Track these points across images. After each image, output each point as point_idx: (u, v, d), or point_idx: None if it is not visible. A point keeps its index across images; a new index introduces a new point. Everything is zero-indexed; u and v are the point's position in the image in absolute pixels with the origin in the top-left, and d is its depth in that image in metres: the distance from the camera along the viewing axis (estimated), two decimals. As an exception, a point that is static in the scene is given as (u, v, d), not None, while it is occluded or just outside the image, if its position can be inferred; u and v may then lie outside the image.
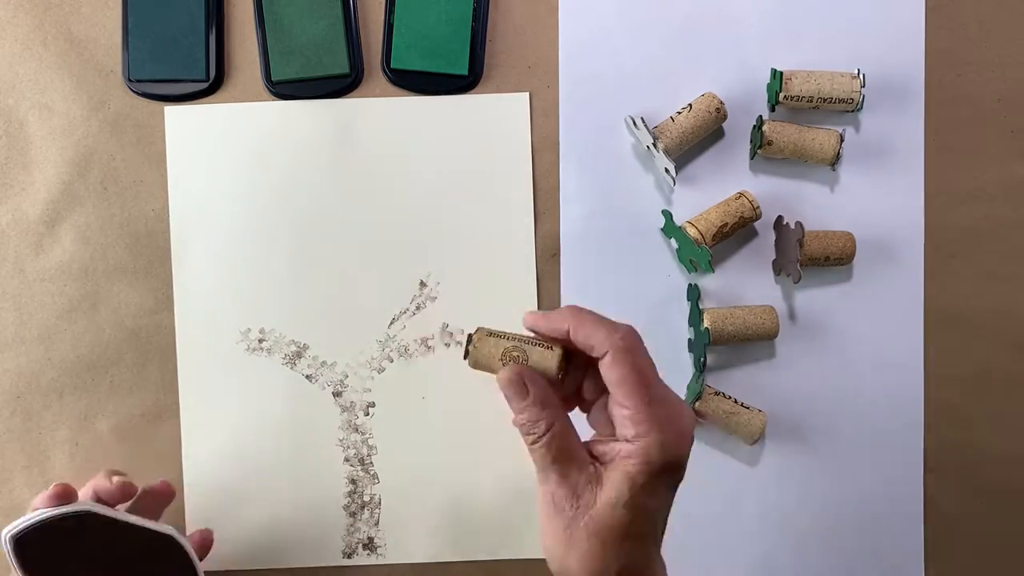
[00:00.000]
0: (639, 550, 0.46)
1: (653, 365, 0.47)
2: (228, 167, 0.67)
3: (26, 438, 0.68)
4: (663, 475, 0.46)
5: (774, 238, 0.66)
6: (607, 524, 0.45)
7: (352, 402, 0.67)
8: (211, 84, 0.67)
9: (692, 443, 0.47)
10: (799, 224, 0.63)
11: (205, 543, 0.62)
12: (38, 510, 0.54)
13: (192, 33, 0.67)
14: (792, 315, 0.67)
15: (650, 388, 0.46)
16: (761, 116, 0.65)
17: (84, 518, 0.54)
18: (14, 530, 0.53)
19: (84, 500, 0.57)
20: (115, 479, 0.59)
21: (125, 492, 0.58)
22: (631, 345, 0.46)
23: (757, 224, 0.67)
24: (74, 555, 0.54)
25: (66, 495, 0.55)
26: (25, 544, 0.52)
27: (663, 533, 0.47)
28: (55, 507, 0.54)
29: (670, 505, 0.48)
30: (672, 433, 0.46)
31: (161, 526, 0.57)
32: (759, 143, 0.64)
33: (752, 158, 0.66)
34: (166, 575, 0.57)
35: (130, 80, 0.67)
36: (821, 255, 0.64)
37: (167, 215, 0.67)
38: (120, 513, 0.56)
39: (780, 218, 0.65)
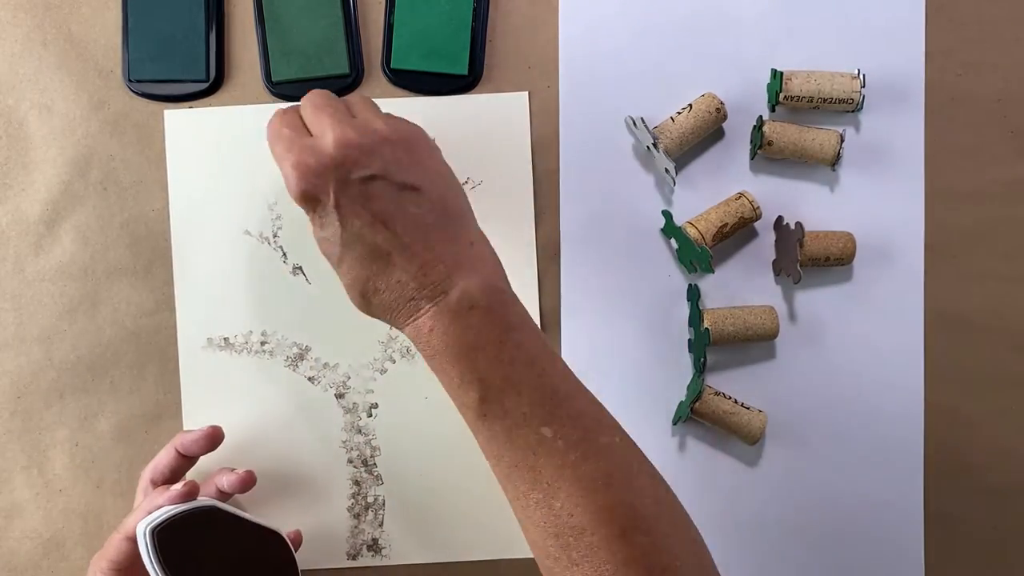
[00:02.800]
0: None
1: None
2: (228, 168, 0.67)
3: (26, 438, 0.68)
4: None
5: (774, 238, 0.66)
6: None
7: (355, 403, 0.67)
8: (211, 84, 0.67)
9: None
10: (799, 224, 0.63)
11: (297, 541, 0.65)
12: (165, 507, 0.56)
13: (192, 33, 0.67)
14: (792, 315, 0.67)
15: None
16: (761, 116, 0.65)
17: (211, 513, 0.58)
18: (153, 523, 0.55)
19: (206, 497, 0.60)
20: (240, 470, 0.63)
21: (244, 484, 0.62)
22: None
23: (757, 224, 0.67)
24: (202, 548, 0.57)
25: (193, 492, 0.57)
26: (160, 537, 0.55)
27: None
28: (185, 503, 0.57)
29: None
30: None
31: (270, 522, 0.61)
32: (759, 143, 0.64)
33: (752, 158, 0.66)
34: (273, 569, 0.60)
35: (130, 80, 0.67)
36: (821, 255, 0.64)
37: (167, 215, 0.67)
38: (238, 510, 0.59)
39: (780, 218, 0.65)
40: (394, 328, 0.56)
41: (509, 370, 0.51)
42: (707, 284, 0.67)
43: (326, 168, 0.51)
